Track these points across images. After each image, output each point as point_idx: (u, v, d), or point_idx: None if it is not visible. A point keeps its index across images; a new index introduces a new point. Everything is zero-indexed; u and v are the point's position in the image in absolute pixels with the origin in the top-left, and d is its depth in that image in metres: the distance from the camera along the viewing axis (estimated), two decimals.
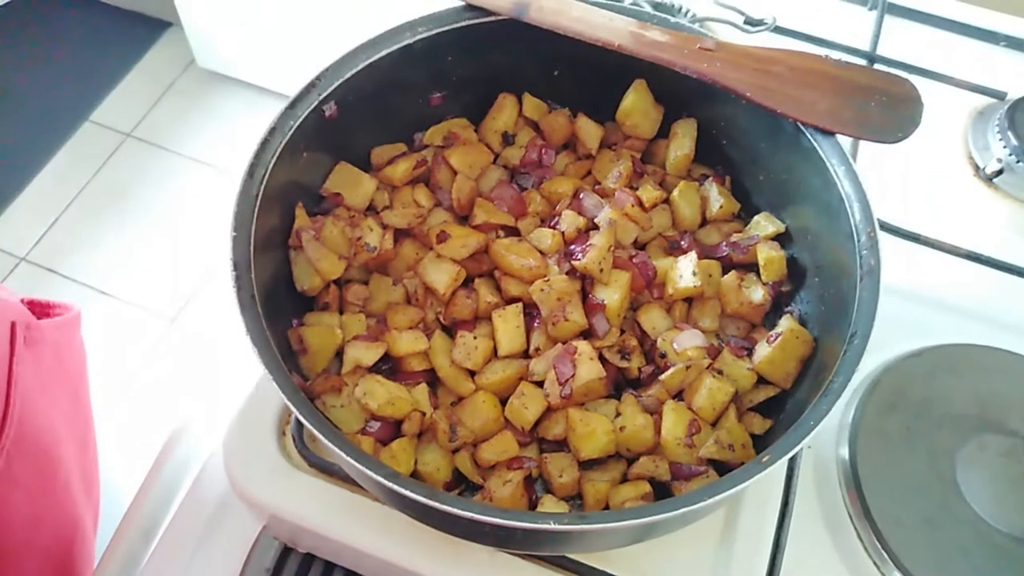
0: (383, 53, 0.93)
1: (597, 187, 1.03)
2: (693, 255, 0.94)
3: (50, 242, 2.88)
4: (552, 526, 0.67)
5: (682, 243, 1.00)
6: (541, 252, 0.95)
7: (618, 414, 0.88)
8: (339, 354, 0.90)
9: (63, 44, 3.35)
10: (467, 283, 0.96)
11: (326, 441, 0.71)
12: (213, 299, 2.76)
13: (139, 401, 2.59)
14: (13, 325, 0.94)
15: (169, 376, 2.64)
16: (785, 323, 0.90)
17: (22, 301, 1.01)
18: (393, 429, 0.87)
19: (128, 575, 0.94)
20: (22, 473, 0.94)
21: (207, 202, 2.96)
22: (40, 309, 1.03)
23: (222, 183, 2.98)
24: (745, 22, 1.23)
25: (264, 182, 0.85)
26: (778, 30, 1.27)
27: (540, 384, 0.89)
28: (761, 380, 0.90)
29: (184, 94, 3.28)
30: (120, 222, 2.94)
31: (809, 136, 0.89)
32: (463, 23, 0.96)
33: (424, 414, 0.87)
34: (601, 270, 0.93)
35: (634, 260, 0.95)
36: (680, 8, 1.28)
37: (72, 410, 1.06)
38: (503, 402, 0.89)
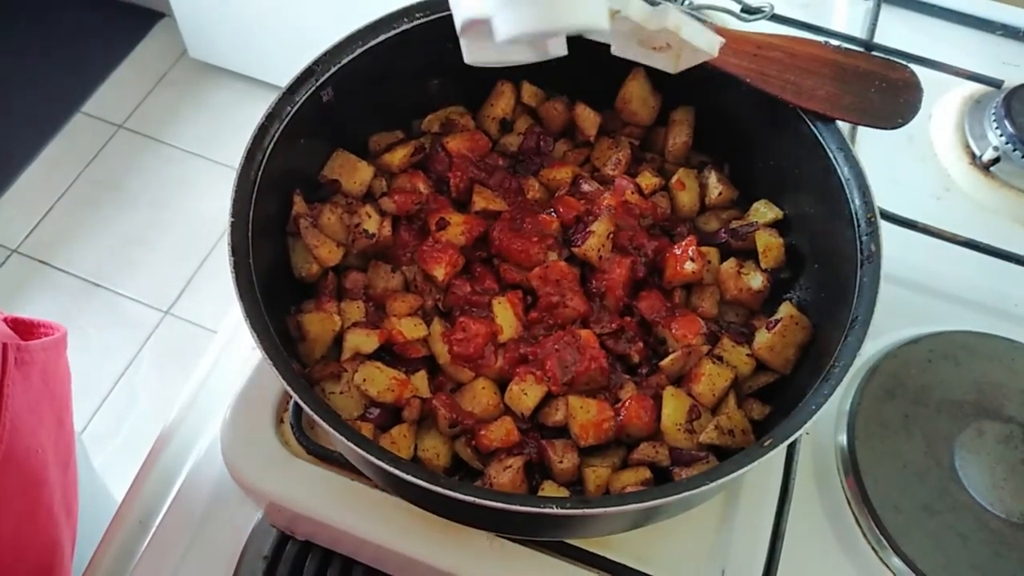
0: (380, 39, 0.93)
1: (596, 174, 1.03)
2: (692, 242, 0.94)
3: (42, 234, 2.87)
4: (554, 510, 0.67)
5: (681, 229, 1.00)
6: (540, 239, 0.94)
7: (618, 400, 0.88)
8: (337, 341, 0.90)
9: (55, 35, 3.34)
10: (466, 270, 0.95)
11: (327, 427, 0.70)
12: (207, 289, 2.77)
13: (134, 391, 2.58)
14: (5, 347, 0.94)
15: (164, 366, 2.64)
16: (784, 309, 0.90)
17: (5, 320, 1.00)
18: (392, 415, 0.86)
19: (125, 563, 0.94)
20: (9, 496, 0.94)
21: (199, 193, 2.95)
22: (25, 328, 1.02)
23: (214, 174, 2.97)
24: (742, 10, 1.21)
25: (262, 168, 0.85)
26: (775, 18, 1.26)
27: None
28: (760, 366, 0.90)
29: (176, 85, 3.26)
30: (112, 213, 2.93)
31: (808, 122, 0.89)
32: None
33: (424, 400, 0.86)
34: (600, 257, 0.93)
35: (633, 247, 0.95)
36: None
37: (57, 432, 1.06)
38: (502, 389, 0.89)
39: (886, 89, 0.91)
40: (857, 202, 0.84)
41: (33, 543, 1.00)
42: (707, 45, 0.84)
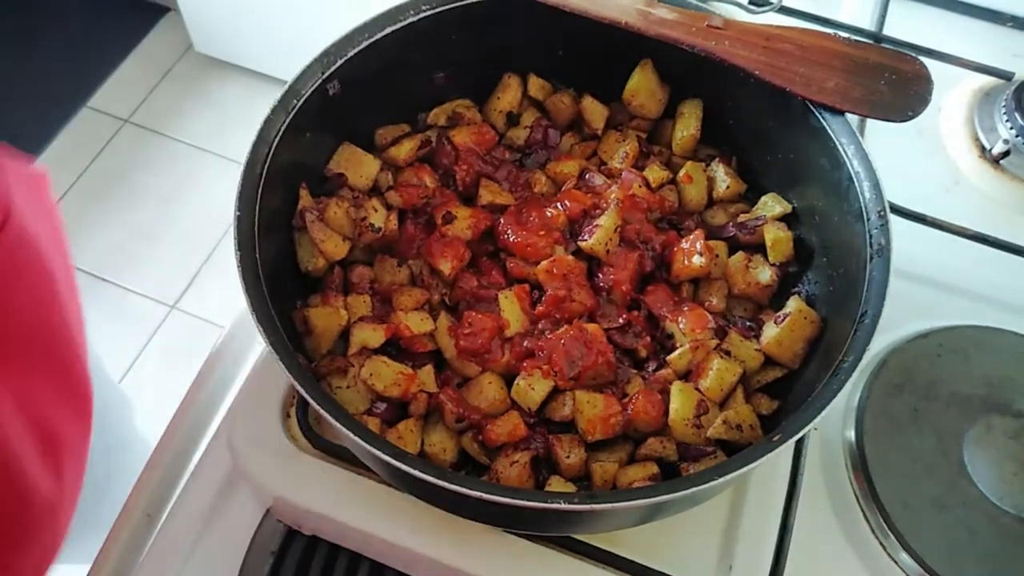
0: (386, 32, 0.93)
1: (603, 167, 1.02)
2: (700, 236, 0.94)
3: None
4: (562, 505, 0.66)
5: (689, 223, 0.99)
6: (547, 233, 0.94)
7: (625, 395, 0.88)
8: (344, 335, 0.89)
9: (61, 30, 3.33)
10: (472, 264, 0.95)
11: (333, 421, 0.70)
12: (214, 284, 2.77)
13: (141, 386, 2.58)
14: None
15: (170, 361, 2.64)
16: (793, 304, 0.90)
17: None
18: (399, 410, 0.86)
19: (132, 558, 0.94)
20: (23, 268, 0.95)
21: (205, 188, 2.95)
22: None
23: (220, 168, 2.97)
24: (750, 2, 1.21)
25: (268, 161, 0.84)
26: (783, 10, 1.26)
27: None
28: (769, 361, 0.90)
29: (182, 80, 3.26)
30: (118, 208, 2.93)
31: (818, 115, 0.88)
32: (467, 1, 0.95)
33: (430, 395, 0.86)
34: (607, 251, 0.92)
35: (641, 240, 0.94)
36: None
37: (52, 245, 1.06)
38: (509, 383, 0.89)
39: (896, 81, 0.90)
40: (867, 196, 0.83)
41: (49, 322, 1.01)
42: None
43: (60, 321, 1.04)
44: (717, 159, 1.02)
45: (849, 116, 0.88)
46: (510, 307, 0.90)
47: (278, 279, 0.83)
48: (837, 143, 0.87)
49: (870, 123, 1.10)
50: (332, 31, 0.90)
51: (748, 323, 0.93)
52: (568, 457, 0.84)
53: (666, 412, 0.86)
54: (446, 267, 0.92)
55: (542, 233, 0.93)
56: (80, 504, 1.08)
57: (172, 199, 2.95)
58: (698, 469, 0.82)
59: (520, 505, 0.68)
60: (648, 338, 0.92)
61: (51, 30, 3.33)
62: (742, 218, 0.98)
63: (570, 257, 0.92)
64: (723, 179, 1.00)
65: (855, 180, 0.85)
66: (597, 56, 1.00)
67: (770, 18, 1.14)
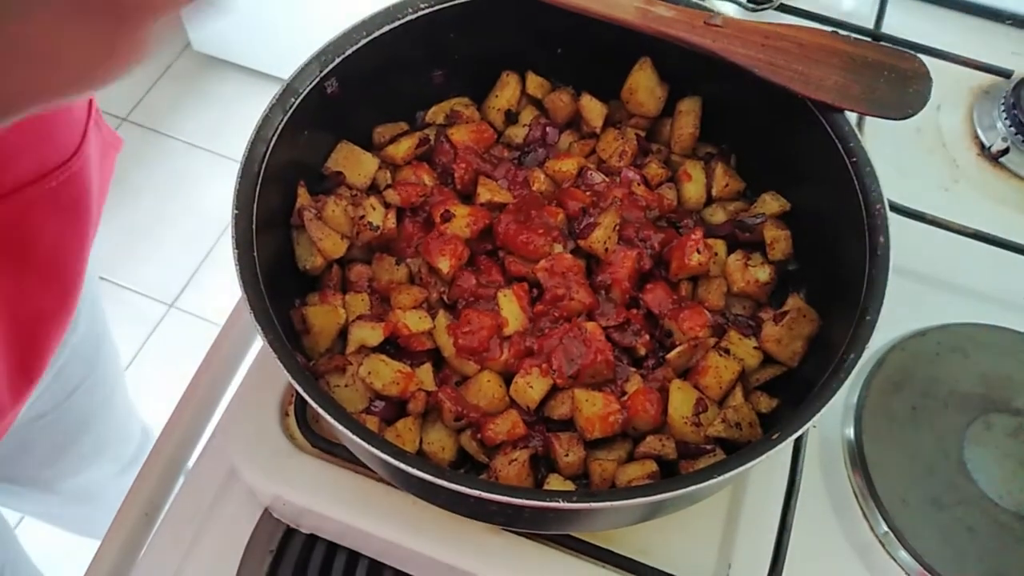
0: (384, 30, 0.92)
1: (602, 166, 1.02)
2: (699, 234, 0.93)
3: None
4: (561, 504, 0.66)
5: (687, 221, 0.99)
6: (546, 231, 0.94)
7: (624, 393, 0.88)
8: (342, 334, 0.89)
9: None
10: (471, 262, 0.95)
11: (331, 420, 0.70)
12: (212, 283, 2.77)
13: (139, 385, 2.58)
14: (91, 102, 1.05)
15: (169, 360, 2.64)
16: (792, 302, 0.90)
17: None
18: (397, 409, 0.86)
19: (130, 558, 0.94)
20: (64, 208, 1.00)
21: (203, 186, 2.95)
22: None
23: (218, 167, 2.97)
24: (749, 0, 1.22)
25: (265, 160, 0.84)
26: (782, 8, 1.26)
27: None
28: (768, 359, 0.90)
29: (180, 78, 3.26)
30: (116, 206, 2.92)
31: (817, 113, 0.88)
32: None
33: (429, 393, 0.86)
34: (606, 249, 0.92)
35: (639, 239, 0.94)
36: None
37: (98, 199, 1.12)
38: (508, 382, 0.88)
39: (895, 79, 0.90)
40: (865, 193, 0.83)
41: (64, 270, 1.06)
42: None
43: (77, 266, 1.09)
44: (716, 157, 1.02)
45: (848, 114, 0.88)
46: (509, 305, 0.90)
47: (276, 277, 0.83)
48: (836, 141, 0.86)
49: (869, 121, 1.10)
50: (330, 29, 0.90)
51: (747, 321, 0.93)
52: (567, 455, 0.84)
53: (665, 410, 0.86)
54: (444, 265, 0.91)
55: (541, 231, 0.93)
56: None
57: (170, 197, 2.95)
58: (697, 467, 0.82)
59: (519, 503, 0.67)
60: (647, 336, 0.92)
61: None
62: (741, 216, 0.98)
63: (569, 255, 0.92)
64: (722, 177, 1.00)
65: (853, 178, 0.84)
66: (596, 54, 1.00)
67: (769, 16, 1.14)
